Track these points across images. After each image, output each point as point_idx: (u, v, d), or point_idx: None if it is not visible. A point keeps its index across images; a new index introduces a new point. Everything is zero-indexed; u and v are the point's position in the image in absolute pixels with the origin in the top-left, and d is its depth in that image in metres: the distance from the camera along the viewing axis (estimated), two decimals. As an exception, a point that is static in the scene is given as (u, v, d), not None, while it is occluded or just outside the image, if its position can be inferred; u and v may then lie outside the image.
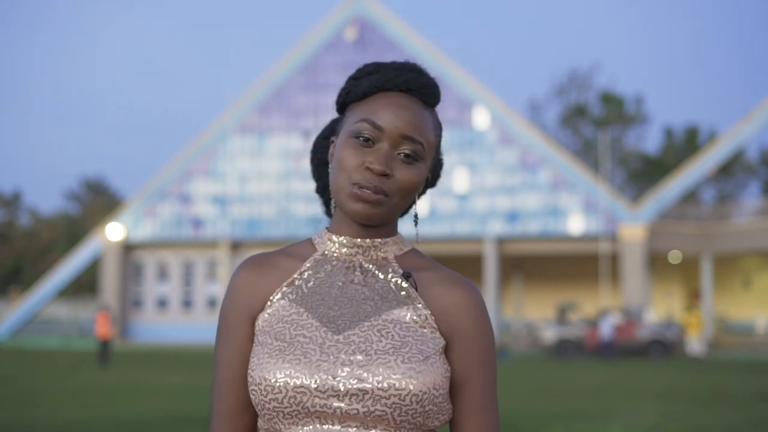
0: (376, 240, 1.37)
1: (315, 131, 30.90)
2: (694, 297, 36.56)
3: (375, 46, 33.76)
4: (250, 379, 1.28)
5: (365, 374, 1.22)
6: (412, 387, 1.22)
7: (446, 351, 1.32)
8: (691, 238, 33.49)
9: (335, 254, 1.37)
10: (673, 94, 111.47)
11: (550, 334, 27.12)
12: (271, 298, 1.35)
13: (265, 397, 1.24)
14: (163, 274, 36.80)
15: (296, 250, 1.41)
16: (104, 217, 44.17)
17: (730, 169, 49.77)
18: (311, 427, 1.24)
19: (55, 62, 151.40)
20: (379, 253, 1.37)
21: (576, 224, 32.56)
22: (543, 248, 33.66)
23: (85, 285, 49.80)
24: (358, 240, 1.36)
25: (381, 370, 1.23)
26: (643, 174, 52.67)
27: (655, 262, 36.30)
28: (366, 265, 1.36)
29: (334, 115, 1.56)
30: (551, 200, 32.79)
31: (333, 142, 1.43)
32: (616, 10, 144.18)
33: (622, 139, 53.06)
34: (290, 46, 36.32)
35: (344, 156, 1.32)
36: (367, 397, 1.22)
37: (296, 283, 1.35)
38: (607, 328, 25.32)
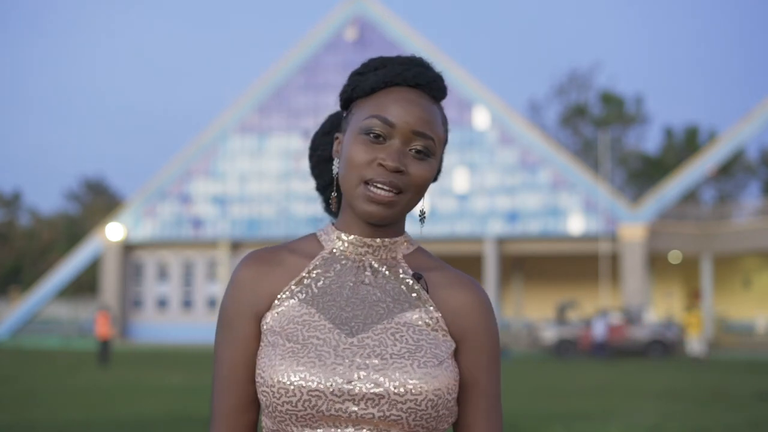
0: (386, 240, 1.35)
1: (315, 131, 30.76)
2: (694, 297, 36.56)
3: (375, 46, 33.75)
4: (261, 380, 1.25)
5: (382, 378, 1.21)
6: (428, 392, 1.22)
7: (455, 353, 1.32)
8: (691, 238, 33.49)
9: (344, 253, 1.35)
10: (673, 94, 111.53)
11: (550, 334, 27.13)
12: (278, 296, 1.32)
13: (278, 399, 1.22)
14: (163, 274, 36.80)
15: (301, 246, 1.38)
16: (104, 217, 44.17)
17: (730, 169, 49.77)
18: (323, 430, 1.23)
19: (55, 62, 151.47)
20: (389, 253, 1.36)
21: (576, 224, 32.57)
22: (543, 248, 33.67)
23: (85, 285, 49.81)
24: (368, 240, 1.35)
25: (398, 374, 1.22)
26: (643, 174, 52.68)
27: (655, 262, 36.30)
28: (376, 265, 1.34)
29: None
30: (551, 200, 32.79)
31: (337, 138, 1.41)
32: (616, 10, 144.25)
33: (622, 139, 53.06)
34: (290, 46, 36.36)
35: (354, 153, 1.29)
36: (383, 401, 1.21)
37: (305, 281, 1.33)
38: (600, 329, 25.35)
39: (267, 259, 1.35)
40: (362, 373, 1.22)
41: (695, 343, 23.96)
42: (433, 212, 32.72)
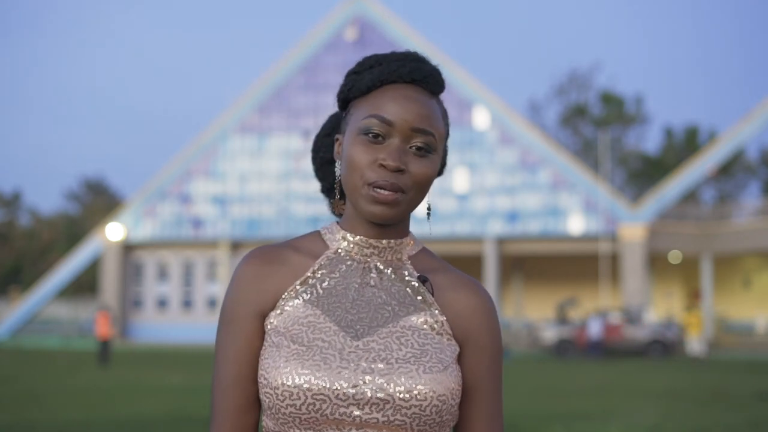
0: (391, 241, 1.34)
1: (315, 131, 30.74)
2: (694, 297, 36.57)
3: (375, 46, 33.74)
4: (264, 381, 1.24)
5: (387, 383, 1.21)
6: (433, 398, 1.21)
7: (459, 356, 1.32)
8: (691, 238, 33.49)
9: (349, 253, 1.34)
10: (673, 94, 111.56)
11: (550, 334, 27.13)
12: (283, 295, 1.30)
13: (282, 402, 1.21)
14: (163, 274, 36.80)
15: (304, 244, 1.36)
16: (104, 217, 44.17)
17: (730, 169, 49.77)
18: None
19: (55, 62, 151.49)
20: (394, 255, 1.35)
21: (576, 224, 32.57)
22: (543, 248, 33.67)
23: (85, 285, 49.81)
24: (374, 241, 1.33)
25: (403, 380, 1.21)
26: (643, 174, 52.68)
27: (655, 262, 36.30)
28: (381, 267, 1.33)
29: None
30: (551, 200, 32.80)
31: (338, 139, 1.39)
32: (615, 10, 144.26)
33: (622, 139, 53.07)
34: (290, 46, 36.36)
35: (355, 154, 1.28)
36: (388, 406, 1.20)
37: (310, 282, 1.31)
38: (595, 328, 25.36)
39: (271, 258, 1.33)
40: (368, 378, 1.21)
41: (695, 343, 23.96)
42: (433, 212, 32.72)
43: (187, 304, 36.40)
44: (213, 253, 36.08)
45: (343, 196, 1.41)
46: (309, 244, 1.36)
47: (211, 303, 35.90)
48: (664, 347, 25.93)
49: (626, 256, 31.62)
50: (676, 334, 26.40)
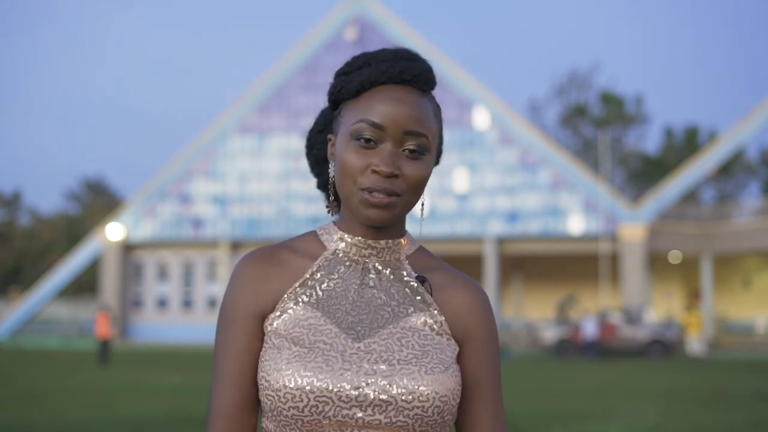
0: (389, 241, 1.34)
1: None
2: (694, 297, 36.57)
3: (375, 46, 33.59)
4: (266, 383, 1.23)
5: (390, 385, 1.21)
6: (435, 398, 1.21)
7: (458, 355, 1.32)
8: (691, 238, 33.49)
9: (347, 254, 1.33)
10: (673, 94, 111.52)
11: (550, 334, 27.12)
12: (282, 297, 1.30)
13: (284, 404, 1.21)
14: (163, 274, 36.80)
15: (302, 245, 1.36)
16: (104, 217, 44.17)
17: (730, 169, 49.77)
18: None
19: (55, 62, 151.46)
20: (392, 255, 1.34)
21: (576, 224, 32.57)
22: (543, 248, 33.67)
23: (85, 285, 49.80)
24: (372, 241, 1.33)
25: (405, 381, 1.21)
26: (643, 174, 52.68)
27: (655, 262, 36.30)
28: (380, 267, 1.33)
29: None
30: (551, 200, 32.80)
31: (330, 140, 1.38)
32: (615, 10, 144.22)
33: (622, 139, 53.07)
34: (290, 46, 36.37)
35: (347, 160, 1.27)
36: (390, 408, 1.20)
37: (309, 283, 1.31)
38: (590, 328, 25.35)
39: (270, 259, 1.33)
40: (370, 379, 1.21)
41: (695, 343, 23.96)
42: (433, 212, 32.73)
43: (187, 304, 36.40)
44: (213, 253, 36.08)
45: (337, 197, 1.41)
46: (306, 245, 1.36)
47: (211, 303, 35.90)
48: (664, 347, 25.94)
49: (626, 256, 31.62)
50: (676, 334, 26.40)
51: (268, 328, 1.29)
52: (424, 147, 1.28)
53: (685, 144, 52.68)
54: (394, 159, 1.26)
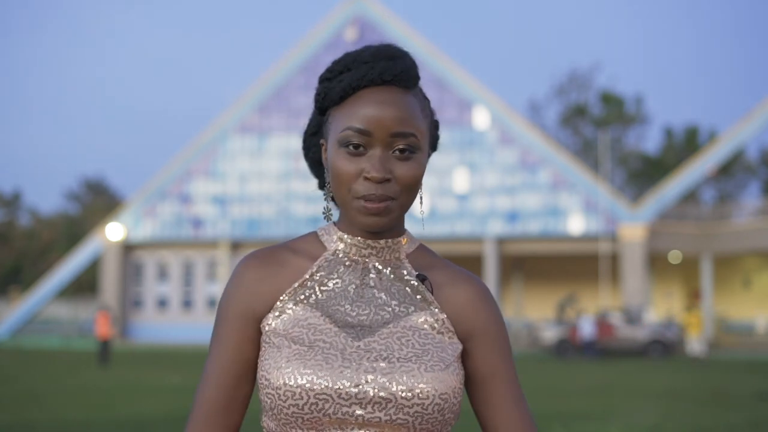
0: (389, 240, 1.34)
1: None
2: (694, 297, 36.57)
3: (375, 46, 33.74)
4: (265, 382, 1.23)
5: (389, 382, 1.21)
6: (435, 396, 1.22)
7: (468, 350, 1.32)
8: (691, 238, 33.49)
9: (348, 255, 1.33)
10: (673, 94, 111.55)
11: (550, 334, 27.12)
12: (281, 297, 1.30)
13: (284, 402, 1.21)
14: (163, 274, 36.80)
15: (302, 246, 1.36)
16: (104, 217, 44.17)
17: (730, 169, 49.78)
18: None
19: (55, 62, 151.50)
20: (392, 254, 1.34)
21: (576, 224, 32.57)
22: (543, 248, 33.67)
23: (85, 285, 49.81)
24: (371, 241, 1.33)
25: (405, 378, 1.21)
26: (643, 174, 52.69)
27: (655, 262, 36.30)
28: (380, 267, 1.33)
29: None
30: (551, 200, 32.79)
31: (322, 144, 1.37)
32: (615, 10, 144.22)
33: (622, 139, 53.07)
34: (290, 46, 36.38)
35: (339, 168, 1.26)
36: (390, 405, 1.20)
37: (308, 284, 1.31)
38: (587, 328, 25.35)
39: (269, 260, 1.33)
40: (370, 377, 1.21)
41: (695, 343, 23.95)
42: (433, 212, 32.74)
43: (187, 304, 36.40)
44: (213, 253, 36.08)
45: (334, 201, 1.40)
46: (306, 246, 1.36)
47: (211, 303, 35.89)
48: (664, 347, 25.93)
49: (626, 256, 31.62)
50: (676, 334, 26.40)
51: (266, 328, 1.29)
52: (414, 146, 1.27)
53: (685, 144, 52.69)
54: (384, 163, 1.25)
